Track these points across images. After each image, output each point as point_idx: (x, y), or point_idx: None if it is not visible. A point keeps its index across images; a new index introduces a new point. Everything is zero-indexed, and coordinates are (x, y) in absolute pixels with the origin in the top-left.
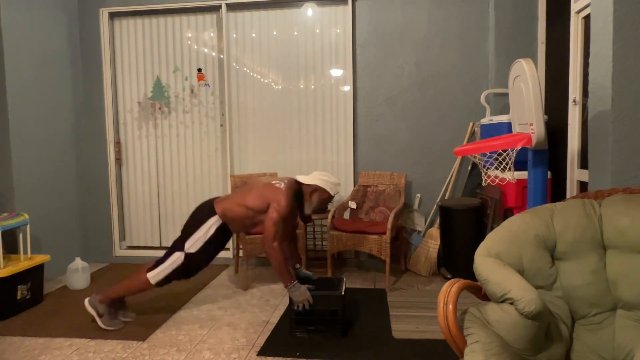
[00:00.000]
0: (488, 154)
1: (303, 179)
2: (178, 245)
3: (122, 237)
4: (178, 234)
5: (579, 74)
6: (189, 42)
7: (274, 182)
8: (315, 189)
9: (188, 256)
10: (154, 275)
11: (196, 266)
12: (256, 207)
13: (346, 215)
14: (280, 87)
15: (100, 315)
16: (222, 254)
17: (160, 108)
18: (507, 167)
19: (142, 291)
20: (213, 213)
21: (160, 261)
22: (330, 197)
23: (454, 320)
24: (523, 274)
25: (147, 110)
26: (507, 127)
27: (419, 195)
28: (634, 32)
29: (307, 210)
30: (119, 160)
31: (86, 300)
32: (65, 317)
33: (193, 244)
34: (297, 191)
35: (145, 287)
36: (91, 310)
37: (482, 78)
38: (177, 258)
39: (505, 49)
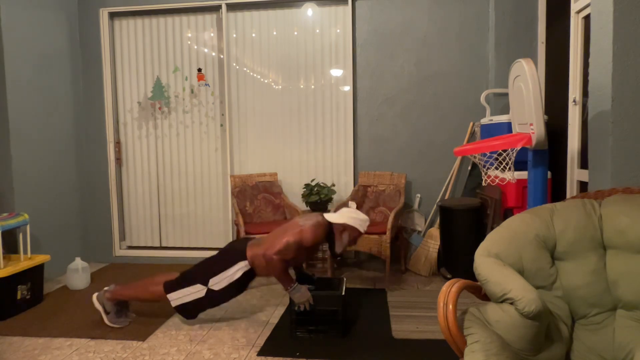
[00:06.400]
0: (488, 154)
1: (332, 217)
2: (203, 277)
3: (122, 237)
4: (178, 234)
5: (579, 74)
6: (189, 42)
7: (304, 219)
8: (345, 227)
9: (210, 292)
10: (174, 299)
11: (216, 302)
12: None
13: None
14: (280, 87)
15: (107, 313)
16: None
17: (160, 108)
18: (507, 167)
19: (152, 302)
20: (243, 257)
21: (181, 283)
22: (360, 235)
23: (454, 320)
24: (523, 274)
25: (147, 110)
26: (507, 127)
27: (419, 195)
28: (634, 32)
29: (339, 248)
30: (119, 160)
31: (94, 296)
32: (65, 317)
33: (217, 283)
34: (327, 230)
35: (157, 299)
36: (98, 306)
37: (482, 78)
38: (199, 291)
39: (505, 49)
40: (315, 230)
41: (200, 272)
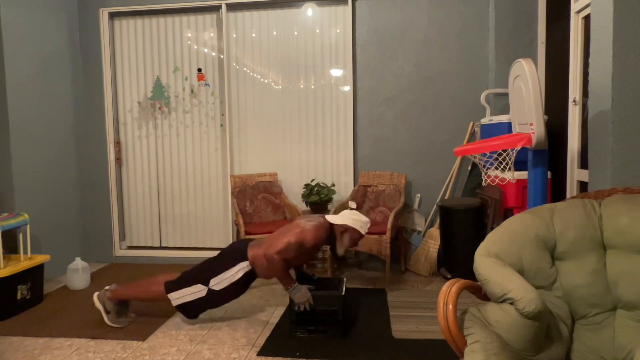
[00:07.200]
0: (488, 154)
1: (333, 219)
2: (204, 277)
3: (122, 237)
4: (178, 234)
5: (579, 74)
6: (189, 42)
7: (306, 220)
8: (346, 229)
9: (211, 292)
10: (175, 299)
11: (216, 303)
12: None
13: None
14: (280, 87)
15: (107, 312)
16: None
17: (160, 108)
18: (507, 167)
19: (153, 301)
20: (245, 258)
21: (182, 283)
22: (361, 236)
23: (454, 320)
24: (523, 274)
25: (147, 110)
26: (507, 127)
27: (419, 195)
28: (634, 32)
29: (340, 250)
30: (119, 160)
31: (95, 295)
32: (65, 317)
33: (218, 283)
34: (329, 231)
35: (157, 299)
36: (99, 305)
37: (482, 78)
38: (200, 290)
39: (505, 49)
40: (317, 231)
41: (202, 272)
